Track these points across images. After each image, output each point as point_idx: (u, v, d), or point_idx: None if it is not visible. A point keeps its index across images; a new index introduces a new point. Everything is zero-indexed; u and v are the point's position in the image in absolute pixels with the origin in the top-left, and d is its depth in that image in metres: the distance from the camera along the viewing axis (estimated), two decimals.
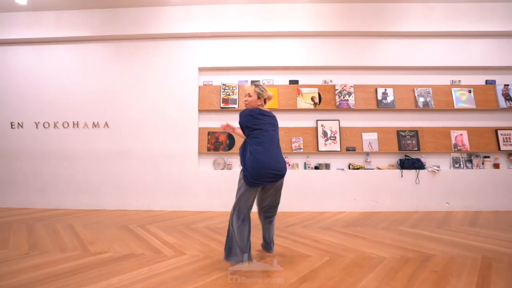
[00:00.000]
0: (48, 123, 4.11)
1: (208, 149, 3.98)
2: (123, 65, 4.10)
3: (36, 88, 4.11)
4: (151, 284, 1.86)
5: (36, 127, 4.12)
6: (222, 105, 4.00)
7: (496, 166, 3.94)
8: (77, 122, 4.07)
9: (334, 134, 3.96)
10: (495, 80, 4.01)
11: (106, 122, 4.05)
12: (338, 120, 4.01)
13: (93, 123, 4.07)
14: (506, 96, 3.93)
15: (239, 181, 2.10)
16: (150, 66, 4.08)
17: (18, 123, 4.14)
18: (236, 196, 2.09)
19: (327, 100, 4.01)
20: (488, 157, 3.95)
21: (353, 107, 3.97)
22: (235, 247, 2.05)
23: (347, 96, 3.98)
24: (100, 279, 1.95)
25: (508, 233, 2.92)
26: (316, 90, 4.02)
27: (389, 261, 2.23)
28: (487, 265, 2.15)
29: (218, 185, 3.89)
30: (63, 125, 4.09)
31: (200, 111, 4.05)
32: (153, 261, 2.25)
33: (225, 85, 4.04)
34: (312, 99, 4.00)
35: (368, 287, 1.82)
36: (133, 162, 4.02)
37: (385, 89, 3.99)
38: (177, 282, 1.87)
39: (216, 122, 4.02)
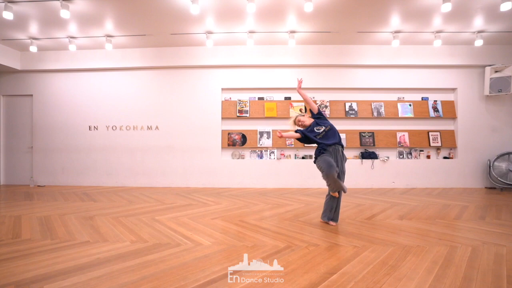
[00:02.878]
0: (116, 126, 5.86)
1: (228, 145, 5.71)
2: (168, 86, 5.83)
3: (108, 102, 5.86)
4: (206, 213, 3.64)
5: (107, 129, 5.87)
6: (237, 114, 5.72)
7: (428, 157, 5.66)
8: (136, 125, 5.82)
9: None
10: (428, 97, 5.73)
11: (156, 125, 5.80)
12: None
13: (147, 126, 5.81)
14: (435, 109, 5.65)
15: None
16: (187, 87, 5.81)
17: (94, 126, 5.89)
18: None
19: None
20: (422, 150, 5.68)
21: (329, 116, 5.69)
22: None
23: (325, 108, 5.71)
24: (180, 211, 3.72)
25: (422, 197, 4.66)
26: (303, 104, 5.74)
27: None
28: (390, 207, 3.90)
29: (234, 170, 5.63)
30: (126, 128, 5.84)
31: (222, 118, 5.78)
32: (204, 207, 4.01)
33: (240, 100, 5.77)
34: (300, 110, 5.72)
35: (320, 211, 3.57)
36: (175, 154, 5.76)
37: (351, 103, 5.71)
38: (220, 213, 3.64)
39: (233, 126, 5.77)
